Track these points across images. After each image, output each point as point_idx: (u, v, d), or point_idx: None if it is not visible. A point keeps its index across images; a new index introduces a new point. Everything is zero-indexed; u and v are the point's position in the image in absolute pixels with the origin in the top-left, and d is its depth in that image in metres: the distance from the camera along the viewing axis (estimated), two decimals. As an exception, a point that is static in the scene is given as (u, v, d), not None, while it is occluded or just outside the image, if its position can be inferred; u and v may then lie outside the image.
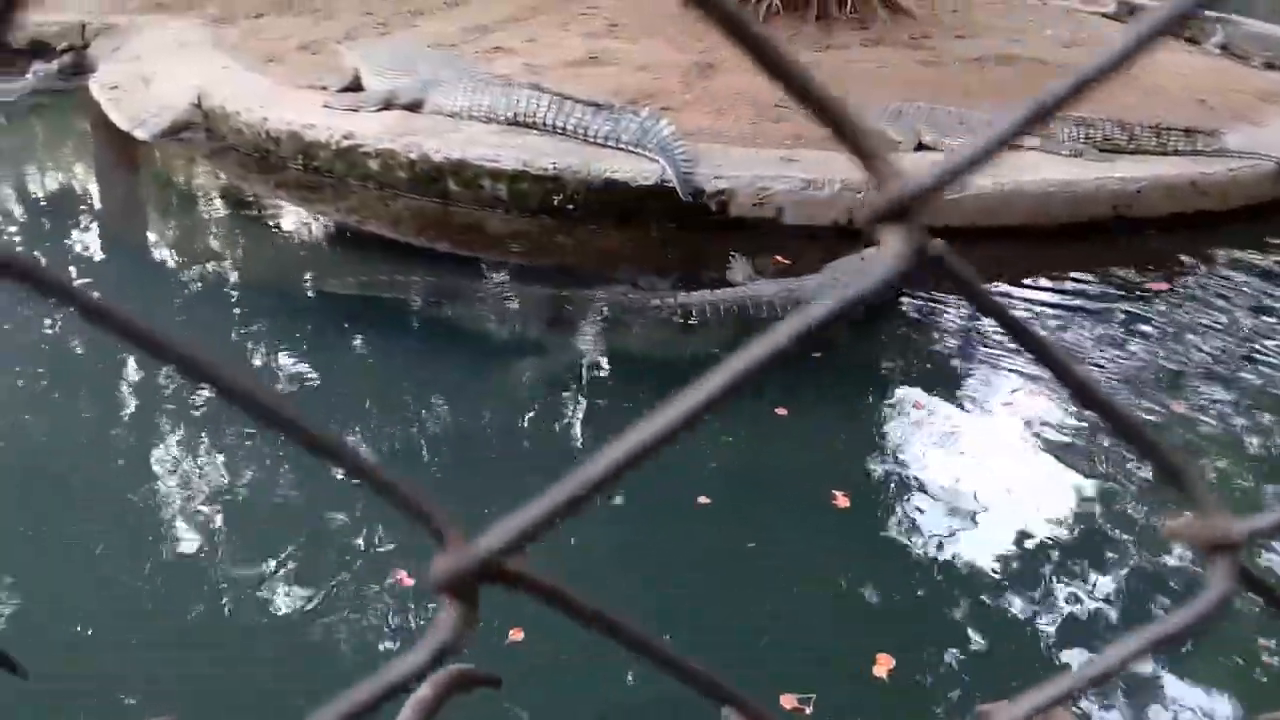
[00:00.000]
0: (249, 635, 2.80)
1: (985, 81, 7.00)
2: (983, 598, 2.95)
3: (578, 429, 3.88)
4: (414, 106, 5.97)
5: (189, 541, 3.12)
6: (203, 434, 3.66)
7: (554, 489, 0.33)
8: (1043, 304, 4.81)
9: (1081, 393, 0.38)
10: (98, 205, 6.29)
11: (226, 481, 3.42)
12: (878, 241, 0.32)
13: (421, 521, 0.33)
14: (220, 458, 3.54)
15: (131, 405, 3.93)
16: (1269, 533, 0.35)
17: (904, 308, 4.67)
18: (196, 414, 3.76)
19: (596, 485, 0.32)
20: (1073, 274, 5.02)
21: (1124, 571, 3.07)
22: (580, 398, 4.06)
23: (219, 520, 3.22)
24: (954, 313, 4.73)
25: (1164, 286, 4.94)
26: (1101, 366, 4.22)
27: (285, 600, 2.90)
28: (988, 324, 4.62)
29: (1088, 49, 8.14)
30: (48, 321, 4.43)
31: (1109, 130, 5.83)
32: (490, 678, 0.58)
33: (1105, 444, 3.68)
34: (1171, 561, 3.09)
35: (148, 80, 7.17)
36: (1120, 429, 0.38)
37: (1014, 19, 9.17)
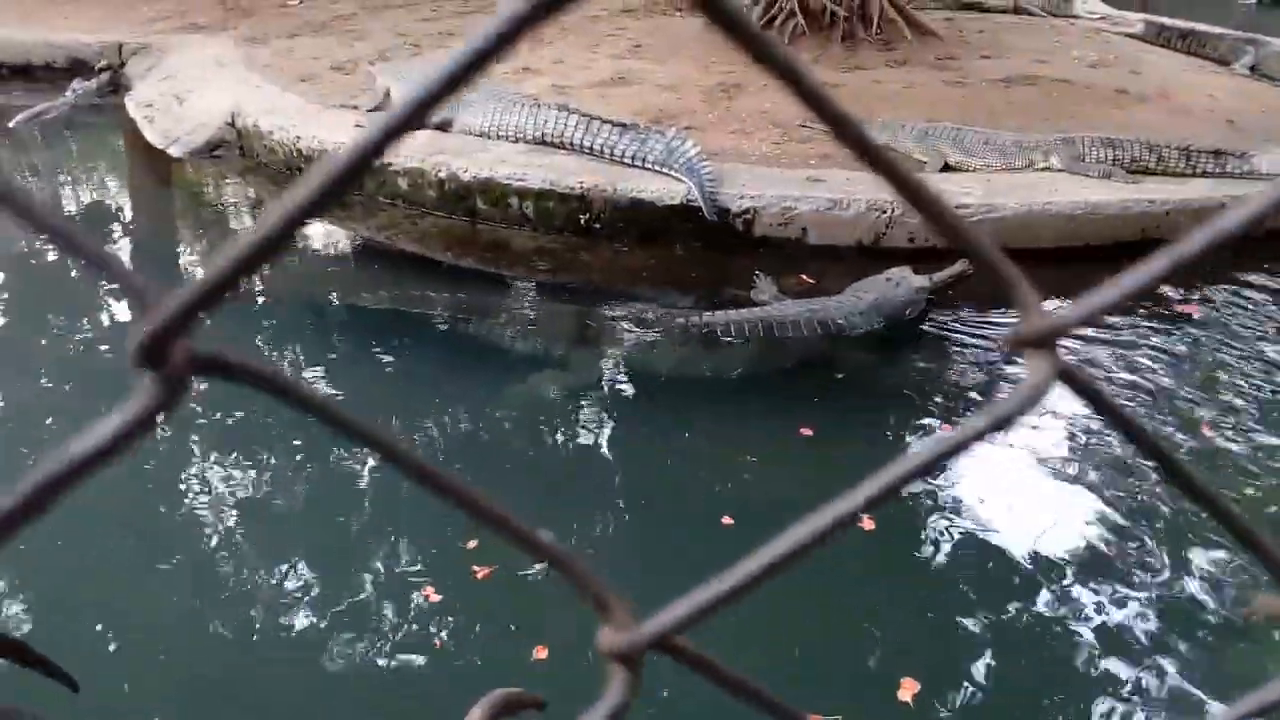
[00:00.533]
0: (279, 650, 2.83)
1: (1011, 102, 7.00)
2: (1008, 622, 2.94)
3: (602, 446, 3.90)
4: (443, 126, 6.06)
5: (225, 560, 3.17)
6: (239, 454, 3.72)
7: (718, 580, 0.36)
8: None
9: (1209, 506, 0.40)
10: (131, 220, 6.41)
11: (261, 499, 3.47)
12: (1022, 362, 0.34)
13: (591, 599, 0.36)
14: (259, 477, 3.59)
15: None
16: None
17: (929, 331, 4.66)
18: (230, 433, 3.82)
19: (756, 579, 0.35)
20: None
21: (1148, 596, 3.04)
22: (604, 415, 4.08)
23: (251, 535, 3.27)
24: (979, 337, 4.72)
25: (1193, 309, 4.90)
26: (1132, 388, 4.19)
27: (315, 619, 2.94)
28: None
29: (1114, 70, 8.12)
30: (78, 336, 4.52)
31: (1137, 152, 5.81)
32: (534, 700, 0.60)
33: (1131, 470, 3.65)
34: (1193, 587, 3.05)
35: (182, 99, 7.32)
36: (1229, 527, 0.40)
37: (1040, 40, 9.16)
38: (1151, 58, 8.83)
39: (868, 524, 3.26)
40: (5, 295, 5.20)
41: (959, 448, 0.37)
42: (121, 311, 4.84)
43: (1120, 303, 0.35)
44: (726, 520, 3.29)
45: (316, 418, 0.33)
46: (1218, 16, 12.61)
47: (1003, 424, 0.36)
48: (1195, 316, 4.85)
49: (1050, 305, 0.38)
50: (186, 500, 3.44)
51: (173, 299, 0.29)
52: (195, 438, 3.80)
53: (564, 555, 0.35)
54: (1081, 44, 9.13)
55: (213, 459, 3.68)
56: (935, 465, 0.37)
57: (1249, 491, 3.52)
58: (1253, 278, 5.25)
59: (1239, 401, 4.08)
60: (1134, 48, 9.15)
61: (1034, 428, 3.92)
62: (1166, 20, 9.89)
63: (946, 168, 5.87)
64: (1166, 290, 4.98)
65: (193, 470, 3.62)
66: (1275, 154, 5.99)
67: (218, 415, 3.92)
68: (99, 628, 2.84)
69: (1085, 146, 5.81)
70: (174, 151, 6.72)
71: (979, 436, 0.36)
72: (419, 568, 3.14)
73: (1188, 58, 9.08)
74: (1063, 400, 4.08)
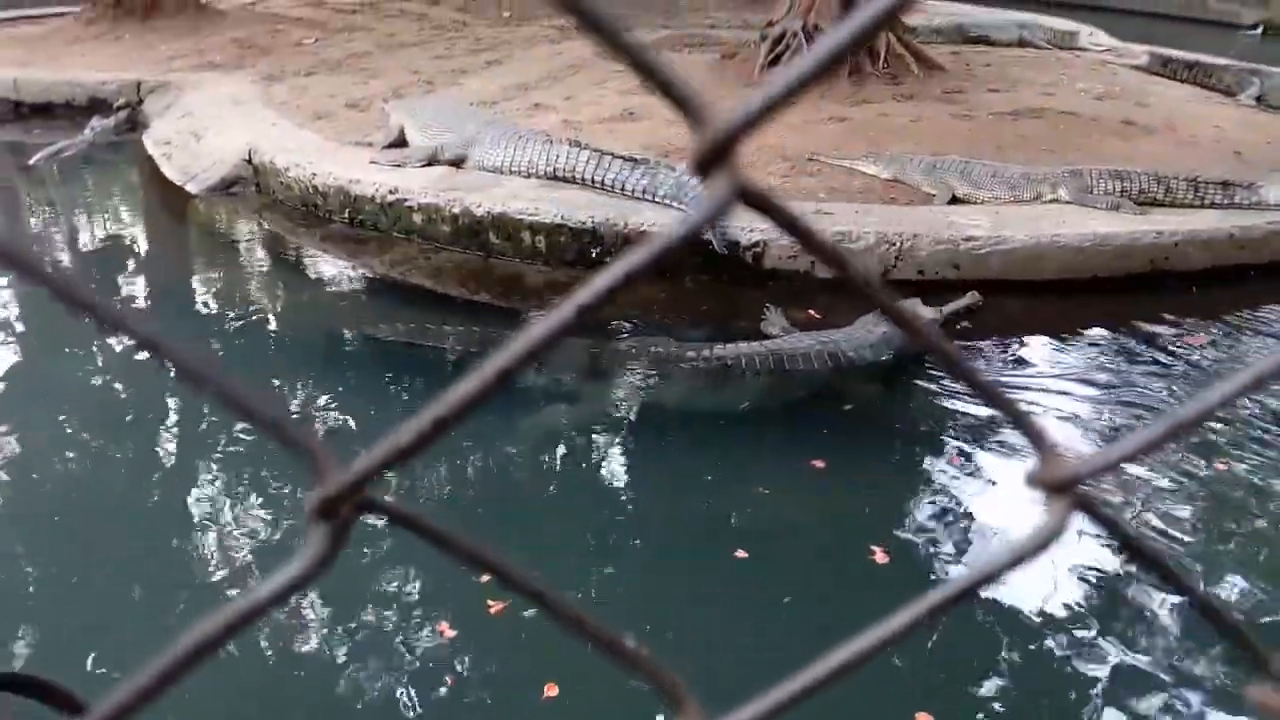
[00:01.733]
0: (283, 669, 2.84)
1: (1018, 134, 7.06)
2: (1022, 658, 2.93)
3: (614, 479, 3.92)
4: (457, 162, 6.15)
5: (220, 573, 3.19)
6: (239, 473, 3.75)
7: (404, 427, 0.36)
8: (1079, 357, 4.80)
9: (1236, 639, 0.43)
10: (147, 255, 6.50)
11: (256, 515, 3.50)
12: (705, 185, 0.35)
13: (303, 456, 0.37)
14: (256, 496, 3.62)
15: (169, 443, 4.03)
16: (1103, 470, 0.39)
17: (938, 362, 4.67)
18: (235, 453, 3.85)
19: (442, 423, 0.36)
20: (1110, 327, 5.00)
21: (1163, 632, 3.03)
22: (616, 448, 4.11)
23: (264, 567, 3.29)
24: (990, 365, 4.73)
25: (1202, 340, 4.90)
26: (1139, 419, 4.20)
27: (318, 636, 2.95)
28: (1024, 377, 4.62)
29: (1120, 102, 8.18)
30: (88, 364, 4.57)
31: (1144, 183, 5.84)
32: None
33: (1145, 502, 3.64)
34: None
35: (199, 136, 7.44)
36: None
37: (1046, 73, 9.24)
38: (1157, 89, 8.90)
39: (881, 557, 3.27)
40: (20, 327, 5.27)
41: (979, 583, 0.40)
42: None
43: (1142, 453, 0.38)
44: (740, 553, 3.30)
45: (453, 555, 0.37)
46: (1221, 47, 12.71)
47: (1023, 560, 0.39)
48: (1204, 347, 4.86)
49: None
50: (198, 531, 3.47)
51: (350, 470, 0.32)
52: (204, 465, 3.84)
53: (270, 412, 0.35)
54: (1087, 76, 9.22)
55: (224, 490, 3.71)
56: (956, 603, 0.40)
57: (1260, 524, 3.51)
58: (1263, 311, 5.26)
59: (1254, 433, 4.08)
60: (1140, 79, 9.23)
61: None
62: (1172, 52, 9.98)
63: (954, 200, 5.92)
64: (1166, 327, 5.00)
65: (203, 500, 3.65)
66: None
67: (226, 445, 3.95)
68: (107, 666, 2.86)
69: (1093, 178, 5.85)
70: (191, 188, 6.82)
71: (999, 573, 0.39)
72: (433, 602, 3.15)
73: (1193, 89, 9.15)
74: (1074, 435, 4.09)
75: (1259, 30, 15.96)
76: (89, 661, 2.87)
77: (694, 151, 0.34)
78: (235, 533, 3.46)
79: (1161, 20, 17.26)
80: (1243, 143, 7.24)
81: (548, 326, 0.34)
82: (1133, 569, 3.27)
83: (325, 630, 3.02)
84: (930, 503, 3.67)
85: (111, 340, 4.93)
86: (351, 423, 4.24)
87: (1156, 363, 4.71)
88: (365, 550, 3.37)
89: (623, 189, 5.74)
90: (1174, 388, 4.47)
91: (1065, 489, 0.38)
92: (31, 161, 7.72)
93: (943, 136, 6.90)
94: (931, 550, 3.36)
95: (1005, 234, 5.41)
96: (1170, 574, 0.44)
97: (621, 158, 5.83)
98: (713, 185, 0.34)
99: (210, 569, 3.29)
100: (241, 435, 3.99)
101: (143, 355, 4.60)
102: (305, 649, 2.95)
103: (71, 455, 3.93)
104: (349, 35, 10.91)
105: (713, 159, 0.34)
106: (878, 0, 0.32)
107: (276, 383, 4.63)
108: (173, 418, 4.25)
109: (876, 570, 3.19)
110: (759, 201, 0.34)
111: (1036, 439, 0.39)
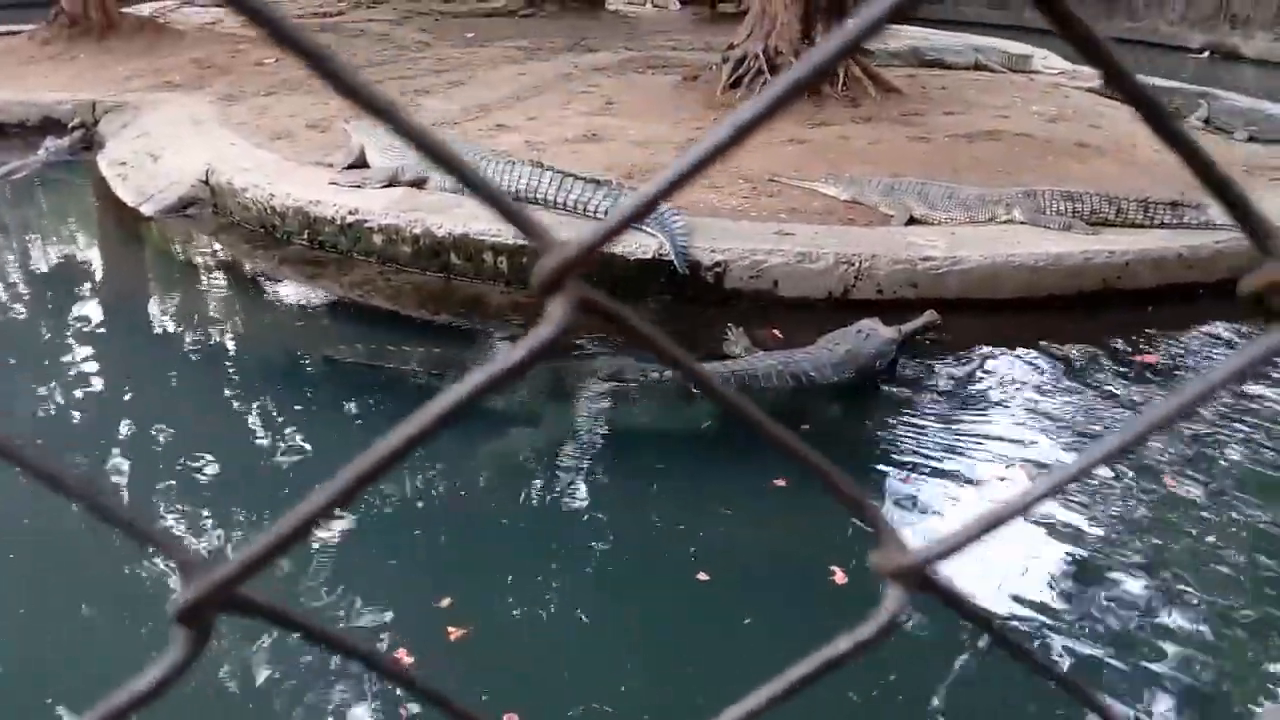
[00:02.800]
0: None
1: (974, 157, 7.18)
2: (983, 678, 2.95)
3: (576, 501, 3.90)
4: (418, 183, 6.12)
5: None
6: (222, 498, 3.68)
7: (278, 523, 0.36)
8: (1034, 375, 4.87)
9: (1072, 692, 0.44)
10: (101, 279, 6.39)
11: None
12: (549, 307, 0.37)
13: (163, 551, 0.37)
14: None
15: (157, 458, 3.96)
16: (942, 556, 0.40)
17: (901, 376, 4.73)
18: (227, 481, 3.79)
19: (313, 519, 0.36)
20: (1063, 345, 5.09)
21: (1130, 647, 3.07)
22: (578, 470, 4.09)
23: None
24: (950, 381, 4.79)
25: (1153, 358, 5.00)
26: (1097, 433, 4.26)
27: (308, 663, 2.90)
28: (980, 394, 4.68)
29: (1073, 124, 8.36)
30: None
31: (1096, 204, 5.96)
32: None
33: (1105, 517, 3.70)
34: (1186, 625, 3.09)
35: (156, 156, 7.35)
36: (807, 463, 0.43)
37: (1001, 96, 9.43)
38: (1109, 112, 9.10)
39: (840, 577, 3.28)
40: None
41: (819, 674, 0.40)
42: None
43: (978, 537, 0.38)
44: (702, 575, 3.29)
45: (323, 646, 0.37)
46: (1171, 68, 13.07)
47: (866, 648, 0.39)
48: (1156, 364, 4.96)
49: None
50: (148, 563, 3.39)
51: (216, 574, 0.32)
52: (171, 483, 3.76)
53: (136, 521, 0.35)
54: (1041, 99, 9.41)
55: (185, 515, 3.64)
56: (805, 685, 0.40)
57: (1210, 539, 3.57)
58: (1211, 328, 5.38)
59: (1200, 449, 4.16)
60: (1092, 102, 9.43)
61: (1001, 478, 3.97)
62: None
63: (912, 220, 6.00)
64: (1119, 344, 5.11)
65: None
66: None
67: (187, 478, 3.88)
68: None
69: (1046, 200, 5.97)
70: (146, 209, 6.72)
71: (841, 662, 0.39)
72: (392, 628, 3.11)
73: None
74: (1030, 452, 4.15)
75: (1206, 54, 16.41)
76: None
77: (540, 274, 0.36)
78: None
79: (1114, 44, 17.62)
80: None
81: (409, 432, 0.35)
82: (1096, 587, 3.31)
83: (276, 657, 2.96)
84: (891, 518, 3.69)
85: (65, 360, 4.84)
86: (310, 447, 4.18)
87: (1108, 378, 4.79)
88: (321, 572, 3.32)
89: (585, 210, 5.76)
90: (1123, 401, 4.55)
91: (906, 575, 0.38)
92: (-17, 182, 7.57)
93: (900, 158, 7.00)
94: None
95: (962, 254, 5.49)
96: (1020, 651, 0.45)
97: (584, 179, 5.85)
98: (556, 304, 0.36)
99: (157, 596, 3.22)
100: (201, 456, 3.92)
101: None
102: (260, 673, 2.89)
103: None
104: (310, 55, 10.84)
105: (556, 282, 0.36)
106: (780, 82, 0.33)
107: (233, 406, 4.56)
108: (130, 433, 4.17)
109: (835, 591, 3.20)
110: (600, 308, 0.36)
111: (874, 524, 0.39)
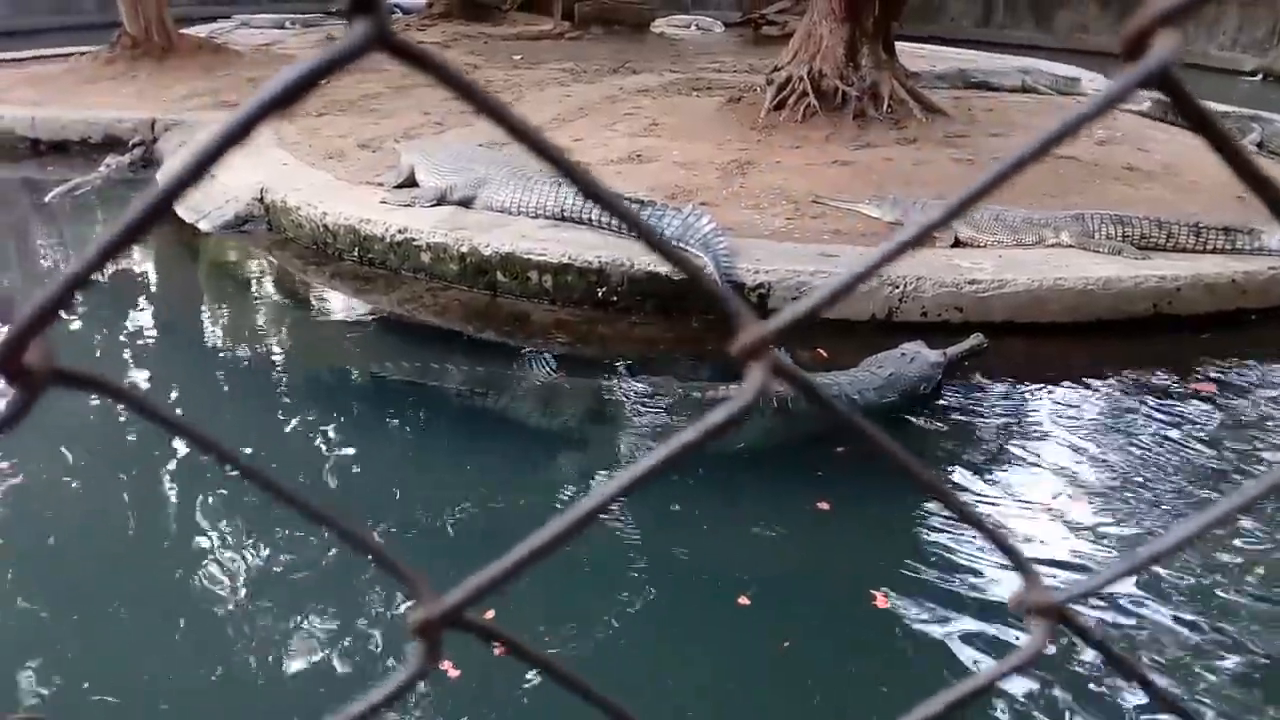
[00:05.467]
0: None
1: (1020, 179, 7.08)
2: (1026, 707, 2.91)
3: (617, 522, 3.91)
4: (466, 202, 6.23)
5: (165, 645, 3.19)
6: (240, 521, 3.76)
7: (506, 556, 0.40)
8: (1081, 402, 4.81)
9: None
10: (157, 292, 6.57)
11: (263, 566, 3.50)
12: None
13: (400, 579, 0.41)
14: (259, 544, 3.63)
15: (171, 490, 4.05)
16: (1080, 598, 0.41)
17: (946, 401, 4.69)
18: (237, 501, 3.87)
19: (540, 553, 0.39)
20: (1112, 371, 5.02)
21: (1173, 677, 3.01)
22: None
23: (192, 630, 3.29)
24: (996, 407, 4.74)
25: (1208, 387, 4.90)
26: (1150, 465, 4.19)
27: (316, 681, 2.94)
28: (1027, 419, 4.63)
29: (1122, 147, 8.27)
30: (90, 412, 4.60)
31: (1146, 228, 5.89)
32: None
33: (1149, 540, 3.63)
34: (1227, 663, 3.02)
35: (212, 174, 7.55)
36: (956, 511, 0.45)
37: (1048, 118, 9.30)
38: (1158, 135, 8.99)
39: (882, 602, 3.25)
40: None
41: (964, 701, 0.42)
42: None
43: (1127, 576, 0.40)
44: (743, 600, 3.29)
45: (162, 426, 0.40)
46: (1222, 92, 12.86)
47: (1007, 675, 0.41)
48: (1211, 394, 4.86)
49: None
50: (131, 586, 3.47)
51: (447, 600, 0.37)
52: (205, 505, 3.85)
53: (373, 542, 0.40)
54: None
55: (230, 525, 3.72)
56: (964, 705, 0.43)
57: (1260, 570, 3.49)
58: (1266, 356, 5.27)
59: (1253, 477, 4.07)
60: (1141, 125, 9.32)
61: (1048, 508, 3.91)
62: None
63: (958, 243, 5.97)
64: (1170, 371, 5.02)
65: (143, 554, 3.64)
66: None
67: (233, 488, 3.97)
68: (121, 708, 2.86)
69: (1095, 223, 5.90)
70: (203, 226, 6.91)
71: (984, 689, 0.42)
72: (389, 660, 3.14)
73: (1194, 135, 9.21)
74: (1080, 478, 4.09)
75: (1259, 77, 16.14)
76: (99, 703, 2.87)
77: (741, 346, 0.41)
78: (163, 581, 3.46)
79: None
80: (1244, 188, 7.29)
81: (637, 473, 0.39)
82: (1142, 616, 3.25)
83: (262, 692, 3.00)
84: (931, 547, 3.66)
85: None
86: (354, 460, 4.25)
87: (1161, 407, 4.71)
88: (362, 584, 3.37)
89: (628, 230, 5.80)
90: (1177, 432, 4.47)
91: (1049, 612, 0.40)
92: (47, 198, 7.84)
93: (945, 181, 6.97)
94: (929, 597, 3.34)
95: (1008, 277, 5.45)
96: (1149, 684, 0.47)
97: (628, 199, 5.90)
98: (754, 370, 0.41)
99: (216, 609, 3.29)
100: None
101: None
102: (293, 686, 2.94)
103: (72, 494, 3.95)
104: (361, 76, 11.09)
105: (755, 353, 0.41)
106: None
107: (281, 418, 4.65)
108: (172, 459, 4.27)
109: (877, 615, 3.18)
110: (789, 374, 0.42)
111: (1020, 565, 0.41)
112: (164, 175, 7.93)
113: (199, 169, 0.34)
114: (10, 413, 0.35)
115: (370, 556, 0.40)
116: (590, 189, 0.37)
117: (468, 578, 0.40)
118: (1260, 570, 3.50)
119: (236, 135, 0.34)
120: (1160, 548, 0.40)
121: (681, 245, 5.62)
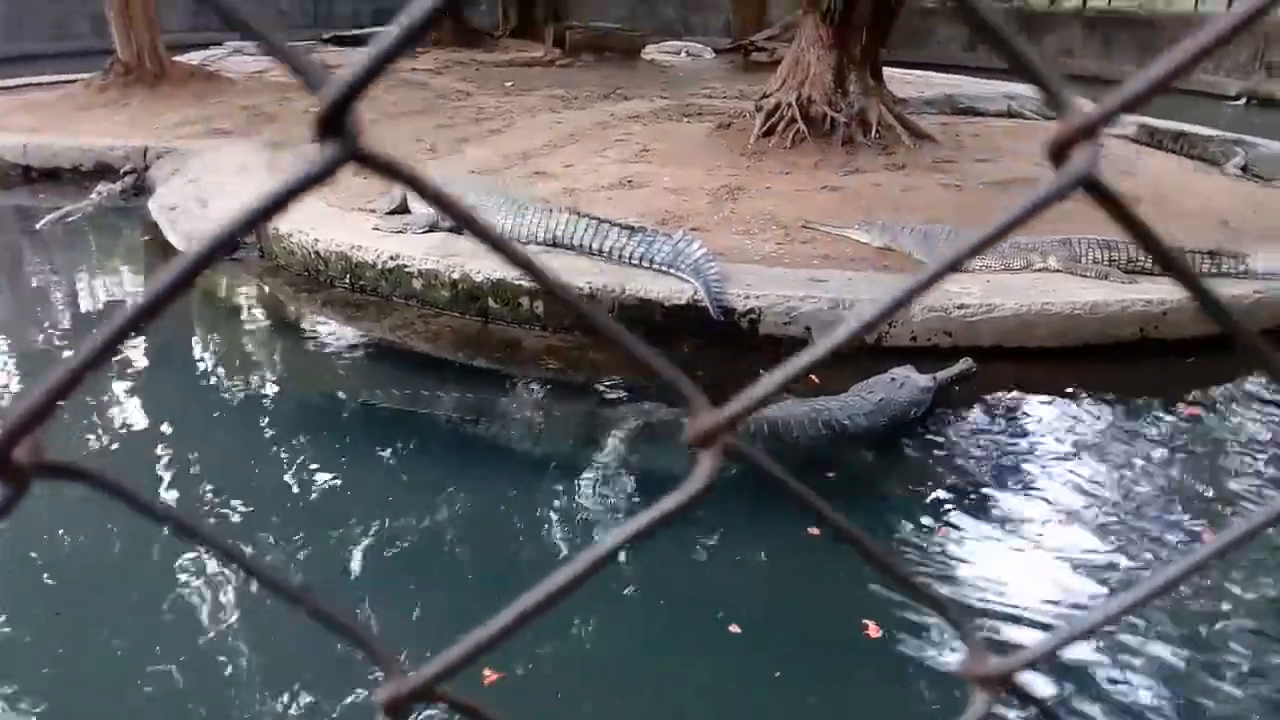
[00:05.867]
0: None
1: (1008, 204, 7.13)
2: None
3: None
4: (457, 229, 6.25)
5: (186, 677, 3.17)
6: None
7: (477, 630, 0.40)
8: (1070, 426, 4.83)
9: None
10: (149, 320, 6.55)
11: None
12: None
13: (371, 654, 0.42)
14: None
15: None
16: (1026, 665, 0.42)
17: (935, 425, 4.71)
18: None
19: (508, 631, 0.40)
20: (1100, 395, 5.05)
21: (1161, 704, 3.01)
22: (610, 517, 4.11)
23: (204, 657, 3.27)
24: (985, 431, 4.76)
25: (1194, 411, 4.93)
26: (1138, 490, 4.21)
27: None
28: (1016, 444, 4.65)
29: (1109, 172, 8.30)
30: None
31: (1132, 253, 5.94)
32: None
33: (1141, 565, 3.64)
34: (1223, 697, 3.02)
35: (205, 201, 7.57)
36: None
37: (1034, 143, 9.42)
38: (1145, 159, 9.09)
39: (873, 631, 3.25)
40: None
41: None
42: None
43: (1061, 648, 0.41)
44: (734, 629, 3.28)
45: (155, 522, 0.41)
46: (1207, 116, 13.00)
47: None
48: (1198, 417, 4.89)
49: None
50: (163, 617, 3.45)
51: (412, 680, 0.37)
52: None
53: (347, 621, 0.40)
54: (1075, 146, 9.40)
55: (182, 576, 3.70)
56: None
57: (1250, 596, 3.50)
58: (1252, 380, 5.31)
59: (1242, 503, 4.09)
60: (1127, 150, 9.42)
61: (1038, 533, 3.92)
62: (1159, 122, 10.19)
63: (946, 268, 6.01)
64: (1157, 395, 5.05)
65: (167, 588, 3.63)
66: (1270, 254, 6.12)
67: (222, 518, 3.96)
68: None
69: (1082, 248, 5.96)
70: (195, 253, 6.90)
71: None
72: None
73: (1180, 159, 9.34)
74: (1068, 505, 4.10)
75: (1243, 101, 16.34)
76: None
77: (693, 433, 0.42)
78: (182, 617, 3.45)
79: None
80: (1229, 212, 7.38)
81: (591, 559, 0.40)
82: (1131, 645, 3.26)
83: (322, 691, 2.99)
84: (924, 575, 3.66)
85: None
86: (343, 489, 4.24)
87: (1148, 431, 4.73)
88: (359, 610, 3.35)
89: (620, 256, 5.84)
90: (1165, 456, 4.50)
91: (991, 681, 0.41)
92: (38, 225, 7.84)
93: (933, 206, 7.03)
94: (921, 626, 3.34)
95: (996, 302, 5.49)
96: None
97: (619, 225, 5.94)
98: (706, 457, 0.42)
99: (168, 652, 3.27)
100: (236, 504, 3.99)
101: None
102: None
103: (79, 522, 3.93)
104: (354, 103, 11.14)
105: (708, 439, 0.42)
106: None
107: (271, 448, 4.64)
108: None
109: (869, 644, 3.18)
110: (746, 458, 0.42)
111: (961, 632, 0.43)
112: (156, 205, 7.95)
113: (181, 283, 0.36)
114: None
115: (346, 636, 0.41)
116: (553, 286, 0.39)
117: (440, 654, 0.41)
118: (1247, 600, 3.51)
119: (218, 250, 0.36)
120: (1109, 613, 0.41)
121: (674, 270, 5.66)
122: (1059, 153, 0.39)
